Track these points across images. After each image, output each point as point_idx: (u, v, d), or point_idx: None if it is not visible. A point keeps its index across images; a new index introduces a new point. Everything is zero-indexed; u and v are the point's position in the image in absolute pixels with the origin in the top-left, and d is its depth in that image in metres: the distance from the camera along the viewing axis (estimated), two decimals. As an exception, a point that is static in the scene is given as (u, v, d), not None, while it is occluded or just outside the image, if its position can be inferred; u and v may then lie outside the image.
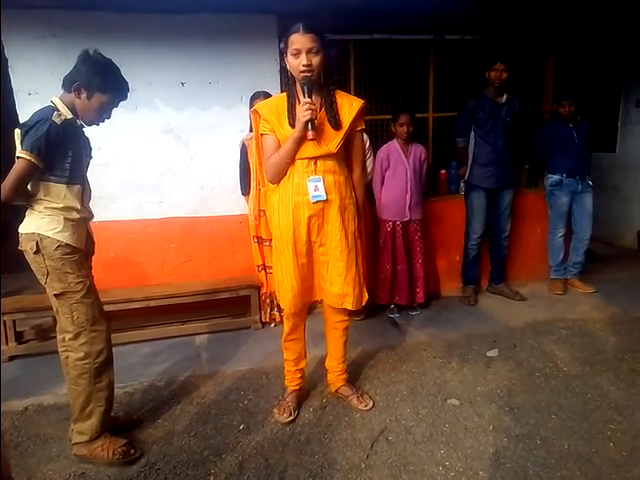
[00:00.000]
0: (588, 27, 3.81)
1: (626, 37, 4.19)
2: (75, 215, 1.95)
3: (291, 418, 2.28)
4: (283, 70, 2.06)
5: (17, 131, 1.85)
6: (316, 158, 2.02)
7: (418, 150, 3.43)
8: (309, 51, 1.89)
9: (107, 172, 3.22)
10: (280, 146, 2.03)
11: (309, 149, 2.00)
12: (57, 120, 1.82)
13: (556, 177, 3.75)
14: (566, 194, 3.75)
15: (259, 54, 3.30)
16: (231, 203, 3.47)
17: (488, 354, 2.90)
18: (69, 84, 1.90)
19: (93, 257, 2.16)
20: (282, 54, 2.01)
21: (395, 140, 3.39)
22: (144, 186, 3.35)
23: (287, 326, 2.30)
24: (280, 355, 2.42)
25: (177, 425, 2.30)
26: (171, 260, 3.47)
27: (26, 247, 1.90)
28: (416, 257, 3.51)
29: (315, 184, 2.03)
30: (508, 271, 3.96)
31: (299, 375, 2.40)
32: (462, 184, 3.82)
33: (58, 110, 1.86)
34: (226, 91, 3.33)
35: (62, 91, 1.94)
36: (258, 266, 3.37)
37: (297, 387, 2.41)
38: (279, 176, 2.08)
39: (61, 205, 1.90)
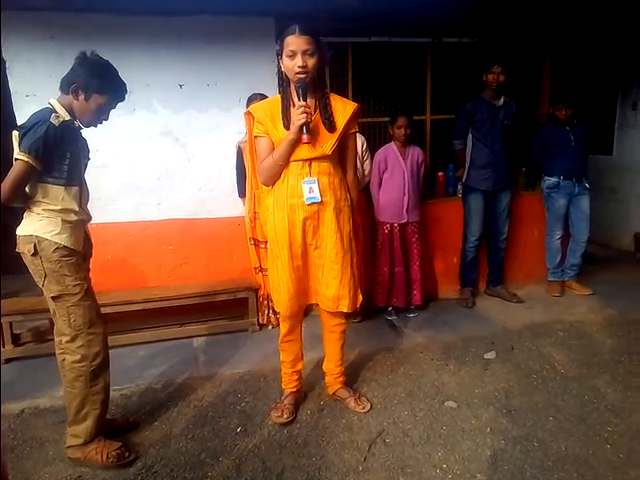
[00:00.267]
0: (585, 30, 3.83)
1: (622, 40, 4.22)
2: (73, 217, 1.94)
3: (289, 419, 2.28)
4: (280, 72, 2.07)
5: (15, 133, 1.84)
6: (311, 160, 2.02)
7: (416, 152, 3.44)
8: (304, 53, 1.89)
9: (105, 174, 3.22)
10: (274, 148, 2.03)
11: (304, 151, 2.00)
12: (55, 122, 1.82)
13: (553, 180, 3.76)
14: (563, 196, 3.76)
15: (257, 56, 3.30)
16: (229, 205, 3.47)
17: (485, 356, 2.90)
18: (67, 86, 1.90)
19: (91, 259, 2.16)
20: (277, 56, 2.02)
21: (393, 142, 3.40)
22: (142, 188, 3.34)
23: (283, 328, 2.30)
24: (278, 357, 2.42)
25: (174, 428, 2.30)
26: (169, 262, 3.46)
27: (24, 249, 1.90)
28: (414, 259, 3.51)
29: (310, 186, 2.02)
30: (505, 273, 3.97)
31: (296, 377, 2.40)
32: (459, 186, 3.83)
33: (56, 112, 1.86)
34: (224, 93, 3.33)
35: (60, 93, 1.94)
36: (255, 268, 3.36)
37: (294, 389, 2.41)
38: (273, 179, 2.08)
39: (59, 207, 1.90)
